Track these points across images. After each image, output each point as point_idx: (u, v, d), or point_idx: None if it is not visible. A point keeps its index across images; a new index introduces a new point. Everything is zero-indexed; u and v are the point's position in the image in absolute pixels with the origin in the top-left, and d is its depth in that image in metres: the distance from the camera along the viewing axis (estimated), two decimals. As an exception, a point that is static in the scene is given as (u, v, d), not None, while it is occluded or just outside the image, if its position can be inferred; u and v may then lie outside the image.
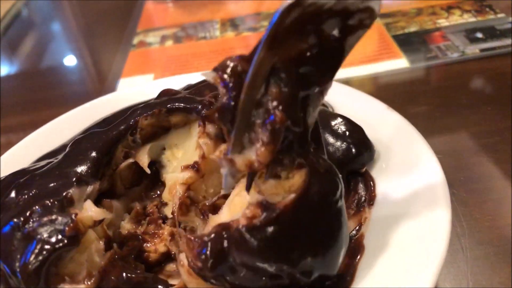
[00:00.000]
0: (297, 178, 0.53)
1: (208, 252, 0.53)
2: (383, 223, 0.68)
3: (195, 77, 0.97)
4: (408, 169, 0.74)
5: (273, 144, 0.48)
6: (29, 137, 0.97)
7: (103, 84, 1.38)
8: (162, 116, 0.77)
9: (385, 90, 1.14)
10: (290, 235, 0.53)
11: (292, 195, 0.52)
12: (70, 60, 1.65)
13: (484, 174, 0.86)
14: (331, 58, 0.52)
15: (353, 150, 0.76)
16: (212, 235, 0.53)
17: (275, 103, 0.49)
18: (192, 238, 0.54)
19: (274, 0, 1.70)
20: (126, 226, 0.75)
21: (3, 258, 0.61)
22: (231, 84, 0.50)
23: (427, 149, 0.75)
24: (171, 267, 0.72)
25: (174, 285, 0.66)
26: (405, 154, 0.76)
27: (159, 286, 0.64)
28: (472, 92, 1.10)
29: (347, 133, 0.78)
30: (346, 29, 0.51)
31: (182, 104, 0.76)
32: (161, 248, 0.72)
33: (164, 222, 0.76)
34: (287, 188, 0.53)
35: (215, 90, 0.81)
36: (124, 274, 0.62)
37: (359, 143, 0.77)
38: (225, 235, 0.53)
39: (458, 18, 1.39)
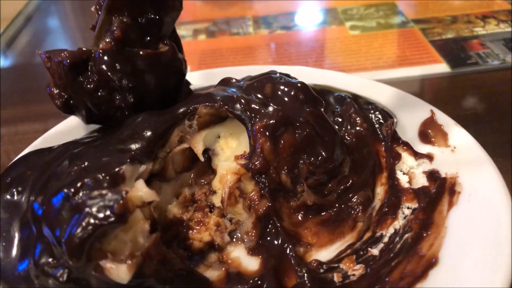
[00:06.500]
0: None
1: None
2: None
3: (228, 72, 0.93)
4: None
5: None
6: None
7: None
8: (221, 110, 0.75)
9: (429, 93, 1.15)
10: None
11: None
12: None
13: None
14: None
15: None
16: None
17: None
18: None
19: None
20: (173, 210, 0.73)
21: (50, 227, 0.60)
22: None
23: (497, 176, 0.69)
24: (212, 257, 0.70)
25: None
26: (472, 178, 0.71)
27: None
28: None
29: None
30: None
31: (240, 115, 0.74)
32: (206, 237, 0.70)
33: (211, 211, 0.74)
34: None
35: (276, 84, 0.78)
36: (167, 260, 0.61)
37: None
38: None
39: (494, 28, 1.40)
